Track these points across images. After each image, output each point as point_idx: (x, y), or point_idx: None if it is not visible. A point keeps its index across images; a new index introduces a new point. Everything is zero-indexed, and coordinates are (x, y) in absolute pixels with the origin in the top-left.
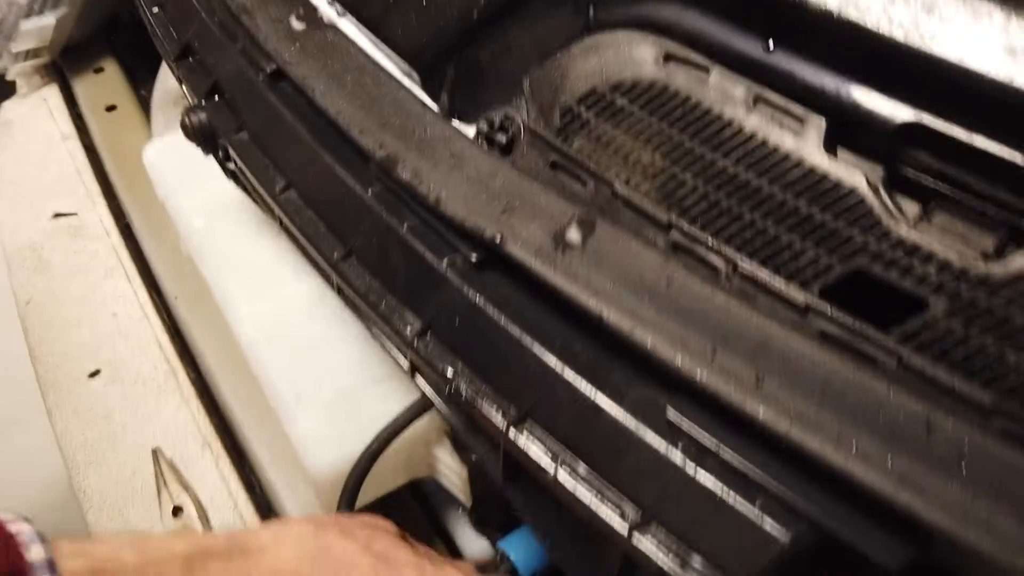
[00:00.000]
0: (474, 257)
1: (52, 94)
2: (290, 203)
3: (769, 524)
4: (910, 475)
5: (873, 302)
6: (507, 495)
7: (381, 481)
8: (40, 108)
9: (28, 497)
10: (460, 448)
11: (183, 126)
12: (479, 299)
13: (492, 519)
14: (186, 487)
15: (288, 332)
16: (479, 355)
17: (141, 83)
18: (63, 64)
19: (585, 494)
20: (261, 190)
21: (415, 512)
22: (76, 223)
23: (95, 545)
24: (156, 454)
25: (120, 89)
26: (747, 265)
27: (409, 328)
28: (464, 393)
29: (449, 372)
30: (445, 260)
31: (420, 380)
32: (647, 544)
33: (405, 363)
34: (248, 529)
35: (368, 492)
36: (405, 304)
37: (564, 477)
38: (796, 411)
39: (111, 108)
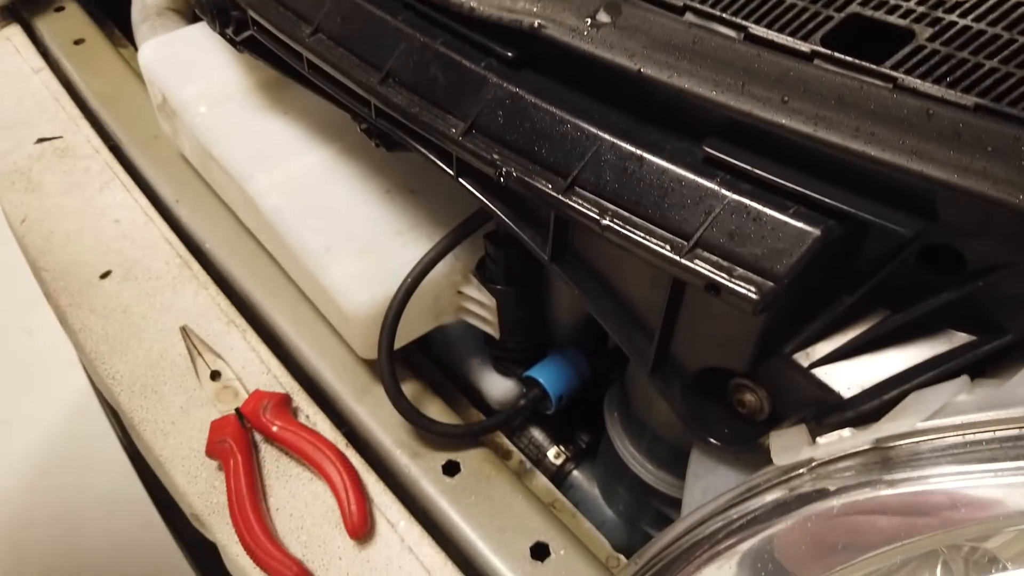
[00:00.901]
0: (510, 54)
1: (15, 33)
2: (320, 44)
3: (801, 225)
4: (919, 149)
5: (868, 43)
6: (555, 271)
7: (411, 326)
8: (4, 47)
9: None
10: (488, 281)
11: (197, 2)
12: (518, 90)
13: (520, 346)
14: (219, 356)
15: (308, 196)
16: (524, 140)
17: (100, 25)
18: (20, 7)
19: (634, 236)
20: (289, 40)
21: (432, 370)
22: (62, 145)
23: None
24: (185, 331)
25: (85, 23)
26: (756, 29)
27: (454, 130)
28: (513, 173)
29: (497, 158)
30: (483, 63)
31: (465, 181)
32: (695, 265)
33: (451, 169)
34: None
35: (400, 338)
36: (447, 111)
37: (615, 225)
38: (819, 116)
39: (79, 41)
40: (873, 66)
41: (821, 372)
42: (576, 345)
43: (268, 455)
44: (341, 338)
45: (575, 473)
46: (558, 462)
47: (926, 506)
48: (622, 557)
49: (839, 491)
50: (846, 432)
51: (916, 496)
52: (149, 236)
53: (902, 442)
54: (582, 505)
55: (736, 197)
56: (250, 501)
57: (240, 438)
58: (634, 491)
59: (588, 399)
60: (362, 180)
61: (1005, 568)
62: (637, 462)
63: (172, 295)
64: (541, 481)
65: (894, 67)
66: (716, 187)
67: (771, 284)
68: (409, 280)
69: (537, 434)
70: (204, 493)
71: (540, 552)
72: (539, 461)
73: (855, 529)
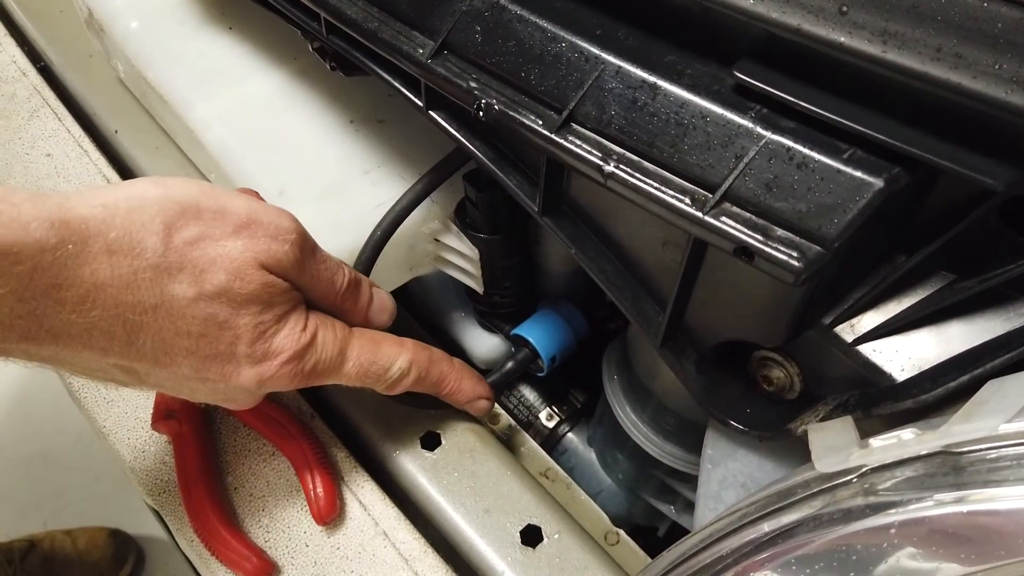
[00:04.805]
0: None
1: None
2: None
3: (858, 174)
4: (1021, 76)
5: None
6: (546, 224)
7: (380, 280)
8: None
9: None
10: (469, 228)
11: None
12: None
13: (507, 300)
14: None
15: (258, 129)
16: (508, 64)
17: None
18: None
19: (646, 186)
20: None
21: (410, 323)
22: None
23: None
24: None
25: None
26: None
27: (421, 51)
28: (495, 106)
29: (474, 86)
30: None
31: (437, 115)
32: (722, 224)
33: (419, 100)
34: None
35: None
36: (412, 26)
37: (621, 172)
38: (888, 31)
39: None
40: None
41: (868, 349)
42: (570, 296)
43: (225, 426)
44: None
45: (570, 435)
46: (551, 424)
47: (1009, 529)
48: (621, 533)
49: (896, 505)
50: (907, 433)
51: (996, 516)
52: (85, 172)
53: (977, 447)
54: (577, 471)
55: (775, 137)
56: (204, 481)
57: (190, 407)
58: (636, 460)
59: (585, 351)
60: (321, 109)
61: None
62: (640, 432)
63: None
64: (532, 447)
65: None
66: (750, 124)
67: (818, 248)
68: (378, 234)
69: (528, 393)
70: (153, 470)
71: (531, 536)
72: (530, 424)
73: (917, 553)
